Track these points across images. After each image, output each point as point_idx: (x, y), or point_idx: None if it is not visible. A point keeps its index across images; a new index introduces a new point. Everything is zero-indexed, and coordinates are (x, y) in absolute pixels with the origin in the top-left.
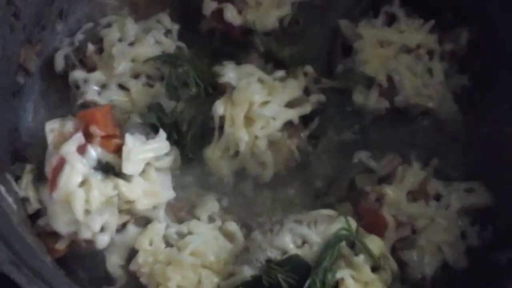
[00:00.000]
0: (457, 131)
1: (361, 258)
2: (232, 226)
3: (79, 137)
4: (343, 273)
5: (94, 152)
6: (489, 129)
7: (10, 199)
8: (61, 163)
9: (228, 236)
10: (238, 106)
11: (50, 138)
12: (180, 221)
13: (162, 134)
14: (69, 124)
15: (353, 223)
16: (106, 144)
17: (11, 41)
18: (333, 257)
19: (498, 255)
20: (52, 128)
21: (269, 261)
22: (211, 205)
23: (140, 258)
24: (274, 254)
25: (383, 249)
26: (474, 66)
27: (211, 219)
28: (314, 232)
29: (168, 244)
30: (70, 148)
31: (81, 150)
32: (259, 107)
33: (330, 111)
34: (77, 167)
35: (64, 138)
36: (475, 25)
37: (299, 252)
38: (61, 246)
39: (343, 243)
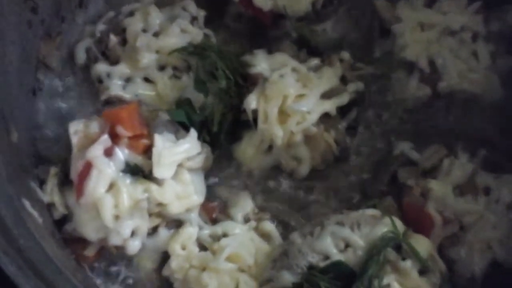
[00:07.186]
0: (504, 117)
1: (408, 263)
2: (268, 226)
3: (105, 139)
4: (389, 279)
5: (121, 154)
6: None
7: (35, 213)
8: (88, 167)
9: (264, 236)
10: (271, 101)
11: (75, 140)
12: (213, 221)
13: (193, 133)
14: (94, 125)
15: (399, 224)
16: (133, 145)
17: (30, 37)
18: (379, 264)
19: None
20: (76, 129)
21: (311, 267)
22: (245, 203)
23: (173, 263)
24: (316, 259)
25: (431, 249)
26: None
27: (246, 219)
28: (357, 235)
29: (202, 247)
30: (96, 152)
31: (108, 152)
32: (294, 101)
33: (368, 100)
34: (104, 171)
35: (89, 140)
36: None
37: (342, 257)
38: (90, 252)
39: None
